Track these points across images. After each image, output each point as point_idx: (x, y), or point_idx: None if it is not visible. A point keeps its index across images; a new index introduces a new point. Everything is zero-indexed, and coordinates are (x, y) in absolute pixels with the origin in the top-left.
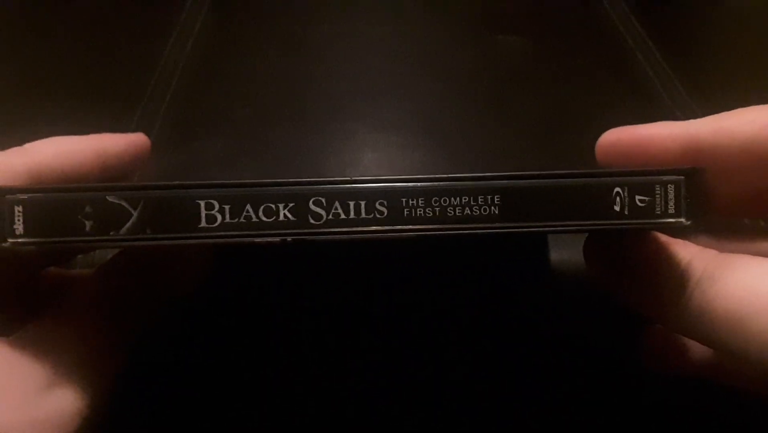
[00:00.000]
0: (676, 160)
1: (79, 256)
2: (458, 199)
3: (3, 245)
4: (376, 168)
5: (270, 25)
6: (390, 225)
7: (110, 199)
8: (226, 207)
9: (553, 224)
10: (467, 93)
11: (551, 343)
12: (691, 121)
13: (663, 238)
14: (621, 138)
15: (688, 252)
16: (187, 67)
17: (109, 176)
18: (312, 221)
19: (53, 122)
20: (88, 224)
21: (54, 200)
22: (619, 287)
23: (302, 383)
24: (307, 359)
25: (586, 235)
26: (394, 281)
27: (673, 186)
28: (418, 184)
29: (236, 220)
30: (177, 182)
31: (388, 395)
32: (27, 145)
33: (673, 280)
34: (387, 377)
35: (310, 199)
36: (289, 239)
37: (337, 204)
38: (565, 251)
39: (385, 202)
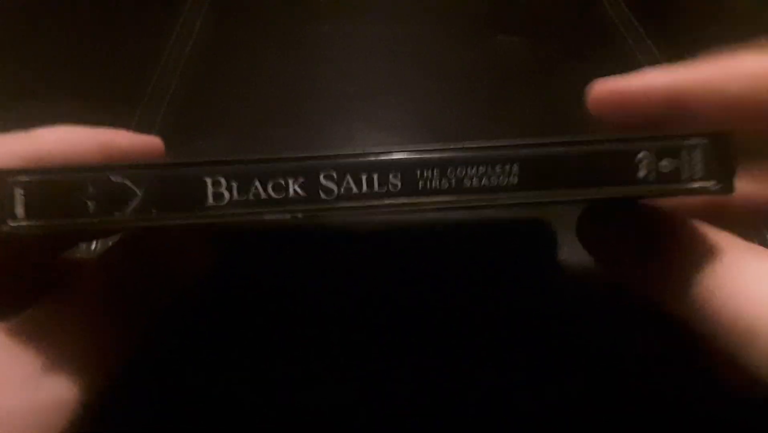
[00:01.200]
0: (660, 111)
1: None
2: (475, 169)
3: (3, 228)
4: None
5: (270, 25)
6: (404, 198)
7: (113, 178)
8: (234, 184)
9: (575, 191)
10: (467, 93)
11: (554, 342)
12: (676, 71)
13: (684, 217)
14: (612, 90)
15: (710, 234)
16: (187, 67)
17: None
18: (323, 196)
19: (53, 122)
20: (91, 204)
21: (55, 181)
22: (622, 264)
23: (304, 377)
24: (310, 353)
25: (582, 209)
26: (399, 277)
27: (699, 149)
28: (434, 155)
29: (245, 197)
30: (182, 160)
31: (391, 392)
32: (32, 132)
33: (687, 261)
34: (390, 373)
35: (320, 174)
36: (299, 215)
37: (348, 178)
38: (569, 249)
39: (399, 175)
